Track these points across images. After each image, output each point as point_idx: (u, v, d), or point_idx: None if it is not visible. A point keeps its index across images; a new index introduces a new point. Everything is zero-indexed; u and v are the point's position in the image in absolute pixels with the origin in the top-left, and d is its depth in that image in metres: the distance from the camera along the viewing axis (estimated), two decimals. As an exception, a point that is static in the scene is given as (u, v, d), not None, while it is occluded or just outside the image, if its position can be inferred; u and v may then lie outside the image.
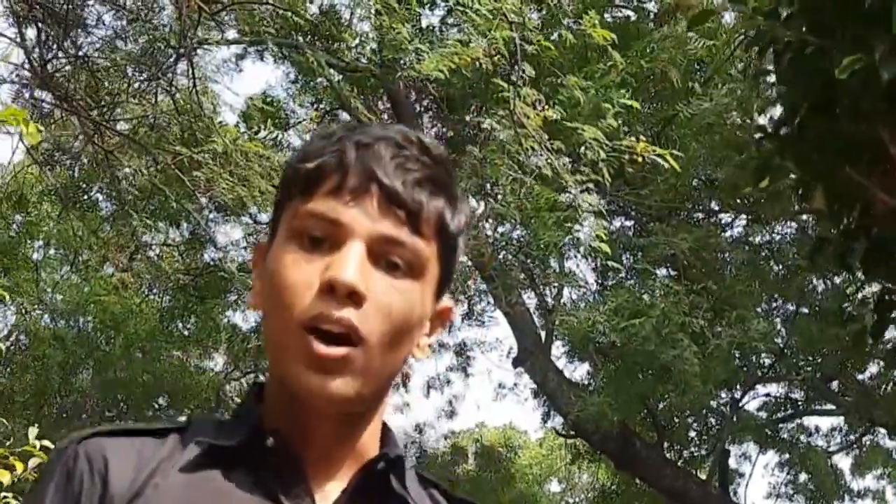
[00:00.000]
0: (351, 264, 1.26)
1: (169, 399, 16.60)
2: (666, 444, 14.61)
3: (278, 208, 1.38)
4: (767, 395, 15.36)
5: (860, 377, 14.77)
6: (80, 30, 9.71)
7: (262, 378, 1.51)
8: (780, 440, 15.48)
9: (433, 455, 20.46)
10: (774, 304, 14.02)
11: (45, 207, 15.60)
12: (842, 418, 15.96)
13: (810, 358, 14.15)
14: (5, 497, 4.22)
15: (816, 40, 4.75)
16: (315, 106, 15.28)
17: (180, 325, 15.79)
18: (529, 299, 14.53)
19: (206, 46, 10.39)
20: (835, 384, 14.97)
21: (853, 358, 13.25)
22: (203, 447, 1.31)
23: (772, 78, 5.76)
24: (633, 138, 7.67)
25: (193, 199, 10.31)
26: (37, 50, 8.95)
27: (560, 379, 13.88)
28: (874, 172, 4.92)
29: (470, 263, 13.35)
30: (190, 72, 8.91)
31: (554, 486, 24.35)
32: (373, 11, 9.66)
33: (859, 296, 10.72)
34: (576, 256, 13.58)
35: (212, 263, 14.32)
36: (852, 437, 16.70)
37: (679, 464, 14.69)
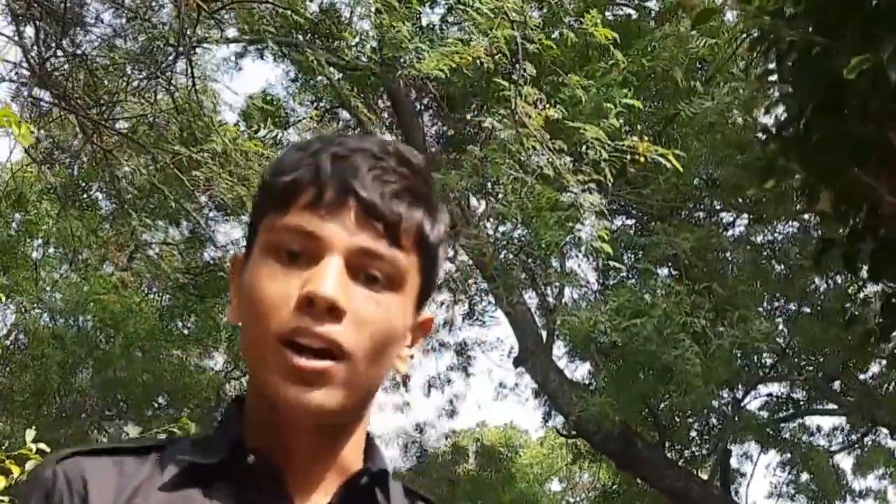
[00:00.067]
0: (330, 278, 1.25)
1: (169, 398, 16.56)
2: (667, 444, 14.58)
3: (254, 222, 1.36)
4: (769, 394, 15.35)
5: (862, 377, 14.75)
6: (78, 28, 9.68)
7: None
8: (781, 440, 15.43)
9: (434, 454, 20.44)
10: (776, 304, 13.98)
11: (45, 206, 15.55)
12: (844, 418, 15.93)
13: (812, 357, 14.12)
14: (1, 501, 4.17)
15: (823, 40, 4.70)
16: (315, 105, 15.26)
17: (180, 324, 15.75)
18: (531, 299, 14.52)
19: (205, 45, 10.35)
20: (837, 384, 14.94)
21: (855, 358, 13.21)
22: (184, 466, 1.30)
23: (774, 77, 5.70)
24: (635, 138, 7.65)
25: (193, 199, 10.27)
26: (35, 48, 8.91)
27: (561, 379, 13.85)
28: (882, 173, 4.87)
29: (471, 263, 13.32)
30: (189, 70, 8.87)
31: (555, 486, 24.35)
32: (373, 10, 9.61)
33: (861, 296, 10.72)
34: (577, 256, 13.55)
35: (211, 262, 14.27)
36: (854, 437, 16.67)
37: (680, 464, 14.67)
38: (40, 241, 16.63)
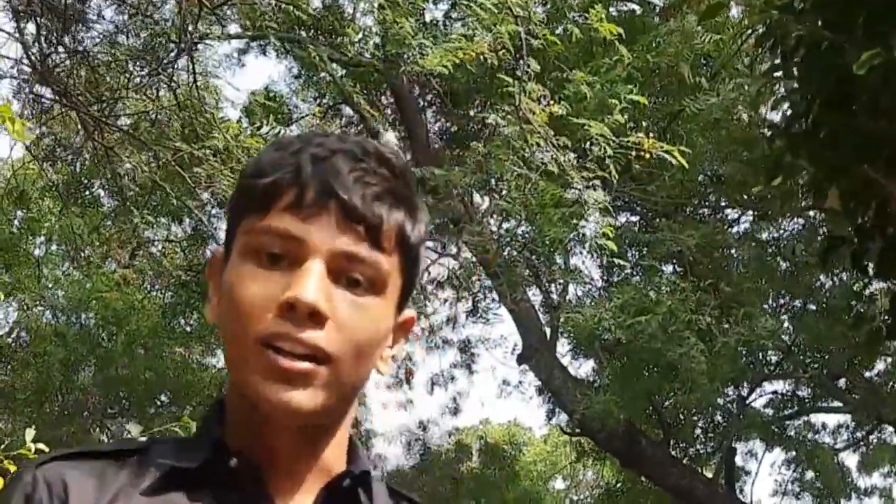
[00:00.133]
0: (311, 283, 1.25)
1: (171, 396, 16.55)
2: (672, 442, 14.52)
3: (232, 222, 1.35)
4: (774, 392, 15.30)
5: (868, 375, 14.71)
6: (80, 24, 9.64)
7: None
8: (786, 438, 15.38)
9: (437, 452, 20.42)
10: (782, 301, 13.94)
11: (47, 203, 15.54)
12: (849, 416, 15.89)
13: (818, 355, 14.08)
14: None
15: (832, 35, 4.66)
16: (318, 101, 15.23)
17: (182, 321, 15.71)
18: (534, 296, 14.49)
19: (206, 41, 10.30)
20: (842, 381, 14.89)
21: (861, 355, 13.17)
22: (165, 469, 1.29)
23: (781, 73, 5.65)
24: (640, 134, 7.61)
25: (195, 196, 10.23)
26: (36, 45, 8.88)
27: (565, 376, 13.82)
28: (891, 170, 4.82)
29: (474, 259, 13.29)
30: (190, 67, 8.84)
31: (559, 484, 24.32)
32: (376, 5, 9.57)
33: (867, 293, 10.67)
34: (581, 253, 13.50)
35: (213, 260, 14.23)
36: (859, 435, 16.63)
37: (685, 462, 14.62)
38: (42, 238, 16.63)
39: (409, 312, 1.43)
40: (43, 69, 8.87)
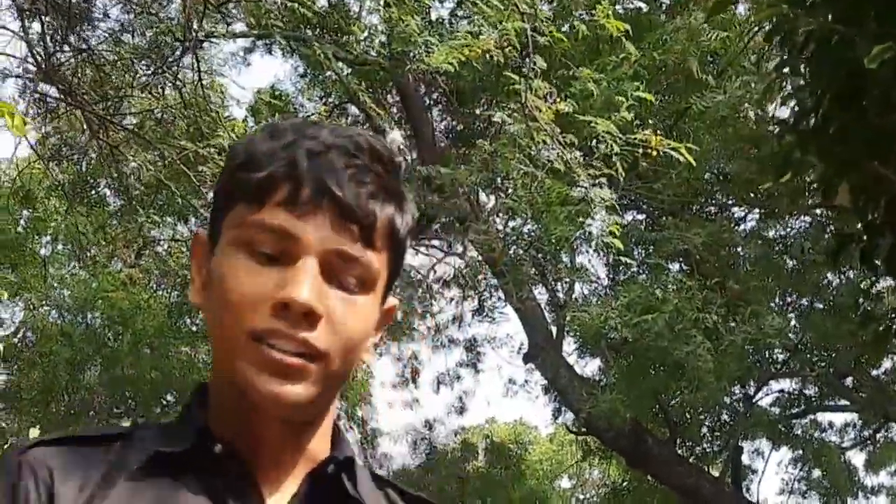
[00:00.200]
0: (306, 283, 1.25)
1: (177, 396, 16.51)
2: (678, 441, 14.50)
3: (221, 207, 1.35)
4: (781, 391, 15.28)
5: (875, 373, 14.68)
6: (85, 23, 9.63)
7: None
8: (793, 436, 15.35)
9: (443, 451, 20.39)
10: (789, 300, 13.91)
11: (53, 203, 15.54)
12: (856, 414, 15.87)
13: (824, 353, 14.04)
14: None
15: (842, 28, 4.62)
16: (324, 100, 15.22)
17: (188, 321, 15.70)
18: (541, 294, 14.47)
19: (212, 39, 10.30)
20: (849, 380, 14.86)
21: (868, 354, 13.13)
22: (149, 454, 1.29)
23: (788, 68, 5.62)
24: (647, 132, 7.58)
25: (200, 195, 10.21)
26: (41, 43, 8.87)
27: (571, 375, 13.80)
28: (902, 166, 4.79)
29: (480, 258, 13.27)
30: (195, 65, 8.82)
31: (565, 483, 24.34)
32: (382, 3, 9.56)
33: (874, 291, 10.64)
34: (587, 251, 13.48)
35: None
36: (866, 434, 16.60)
37: (691, 461, 14.59)
38: (48, 238, 16.63)
39: (392, 301, 1.43)
40: (48, 68, 8.86)
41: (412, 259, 22.60)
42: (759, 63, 11.24)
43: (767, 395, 15.07)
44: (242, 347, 1.26)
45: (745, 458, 15.91)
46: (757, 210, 13.47)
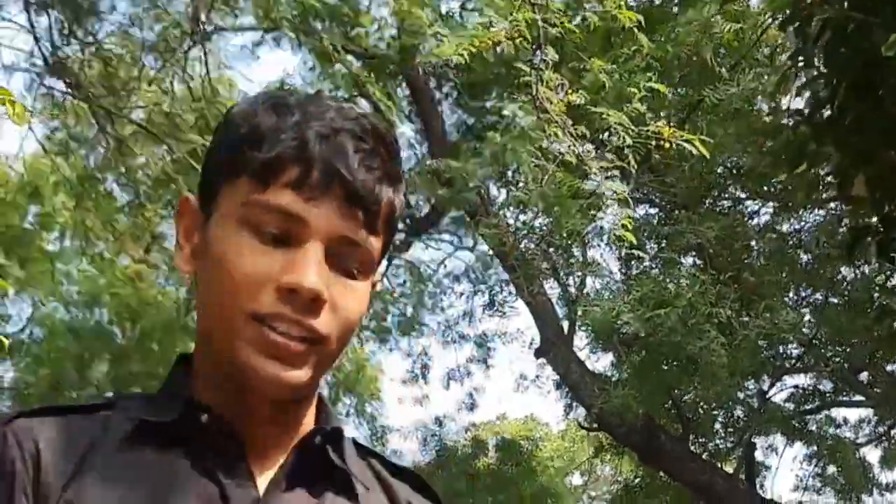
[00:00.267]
0: (313, 269, 1.25)
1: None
2: (691, 437, 14.42)
3: (218, 175, 1.33)
4: (795, 386, 15.16)
5: (890, 368, 14.56)
6: (92, 16, 9.58)
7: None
8: (807, 432, 15.25)
9: (453, 448, 20.35)
10: (803, 294, 13.82)
11: (61, 198, 15.50)
12: (871, 410, 15.75)
13: (839, 348, 13.95)
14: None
15: (860, 16, 4.54)
16: (333, 94, 15.15)
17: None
18: (552, 289, 14.39)
19: (220, 32, 10.24)
20: (864, 375, 14.76)
21: (883, 349, 13.04)
22: (135, 424, 1.29)
23: (802, 64, 5.54)
24: (660, 123, 7.50)
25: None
26: (48, 37, 8.83)
27: (583, 370, 13.74)
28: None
29: (491, 252, 13.21)
30: (203, 58, 8.77)
31: (576, 480, 24.28)
32: (391, -5, 9.50)
33: (889, 285, 10.56)
34: (599, 245, 13.41)
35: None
36: (881, 430, 16.48)
37: (704, 457, 14.52)
38: (56, 233, 16.61)
39: (377, 278, 1.43)
40: (55, 61, 8.82)
41: (422, 253, 22.58)
42: (772, 56, 11.17)
43: (781, 390, 14.99)
44: (242, 327, 1.26)
45: (758, 455, 15.82)
46: (771, 204, 13.38)
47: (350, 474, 1.35)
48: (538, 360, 14.96)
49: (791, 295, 13.42)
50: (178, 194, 12.09)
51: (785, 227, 13.51)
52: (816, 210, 13.12)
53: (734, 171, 12.88)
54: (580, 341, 14.37)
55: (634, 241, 7.81)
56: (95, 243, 14.92)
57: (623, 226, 7.67)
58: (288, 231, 1.26)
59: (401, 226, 14.88)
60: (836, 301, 13.37)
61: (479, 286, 15.37)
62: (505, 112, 9.10)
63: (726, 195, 13.54)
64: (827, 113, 5.10)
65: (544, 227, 12.24)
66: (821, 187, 10.45)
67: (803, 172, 5.82)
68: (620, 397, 11.85)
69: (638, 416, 12.20)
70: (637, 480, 17.33)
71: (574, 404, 15.84)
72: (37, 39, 8.82)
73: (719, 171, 12.83)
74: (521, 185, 11.06)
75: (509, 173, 11.63)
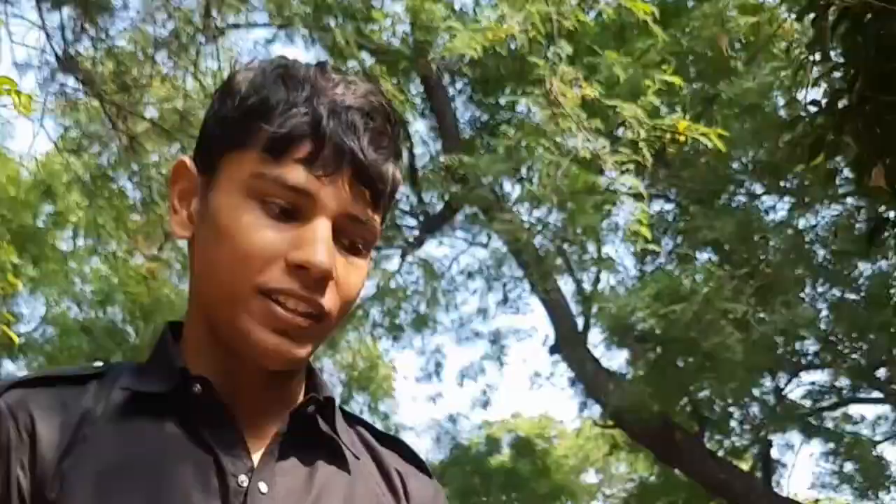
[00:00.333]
0: (324, 246, 1.26)
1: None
2: (707, 435, 14.36)
3: (222, 142, 1.32)
4: (812, 383, 15.08)
5: (908, 364, 14.50)
6: (104, 12, 9.56)
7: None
8: (824, 430, 15.20)
9: (467, 446, 20.35)
10: (820, 290, 13.74)
11: (74, 197, 15.52)
12: (889, 407, 15.68)
13: (856, 345, 13.86)
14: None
15: (880, 3, 4.48)
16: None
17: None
18: (566, 285, 14.35)
19: (233, 29, 10.22)
20: (882, 371, 14.67)
21: (902, 345, 12.99)
22: (128, 394, 1.30)
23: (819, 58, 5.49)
24: (675, 116, 7.48)
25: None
26: (59, 33, 8.82)
27: (598, 367, 13.69)
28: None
29: (505, 249, 13.17)
30: (216, 55, 8.75)
31: (591, 478, 24.24)
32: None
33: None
34: (614, 241, 13.37)
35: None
36: (899, 427, 16.43)
37: (720, 454, 14.46)
38: (69, 232, 16.63)
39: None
40: (66, 57, 8.81)
41: (435, 250, 22.57)
42: (789, 50, 11.12)
43: (798, 387, 14.91)
44: (248, 300, 1.26)
45: (774, 452, 15.77)
46: (787, 199, 13.33)
47: (341, 443, 1.36)
48: (552, 358, 14.91)
49: (808, 290, 13.35)
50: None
51: (801, 223, 13.45)
52: (833, 205, 13.06)
53: (750, 167, 12.83)
54: (595, 338, 14.33)
55: (649, 237, 7.79)
56: (108, 242, 14.95)
57: (638, 221, 7.64)
58: (296, 206, 1.26)
59: (414, 223, 14.95)
60: (853, 297, 13.30)
61: (493, 283, 15.33)
62: (518, 107, 9.05)
63: (742, 191, 13.48)
64: (845, 103, 5.05)
65: (558, 224, 12.21)
66: (838, 181, 10.39)
67: (821, 164, 5.77)
68: (635, 394, 11.84)
69: (653, 413, 12.15)
70: (652, 478, 17.34)
71: (589, 402, 15.77)
72: (48, 36, 8.80)
73: (735, 166, 12.78)
74: (535, 180, 11.03)
75: (523, 169, 11.58)
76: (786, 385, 14.42)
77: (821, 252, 13.09)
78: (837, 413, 15.55)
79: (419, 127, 14.68)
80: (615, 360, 15.02)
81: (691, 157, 11.14)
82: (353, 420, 1.46)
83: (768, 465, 14.95)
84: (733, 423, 15.04)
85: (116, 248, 15.30)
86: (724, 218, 11.55)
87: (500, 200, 12.26)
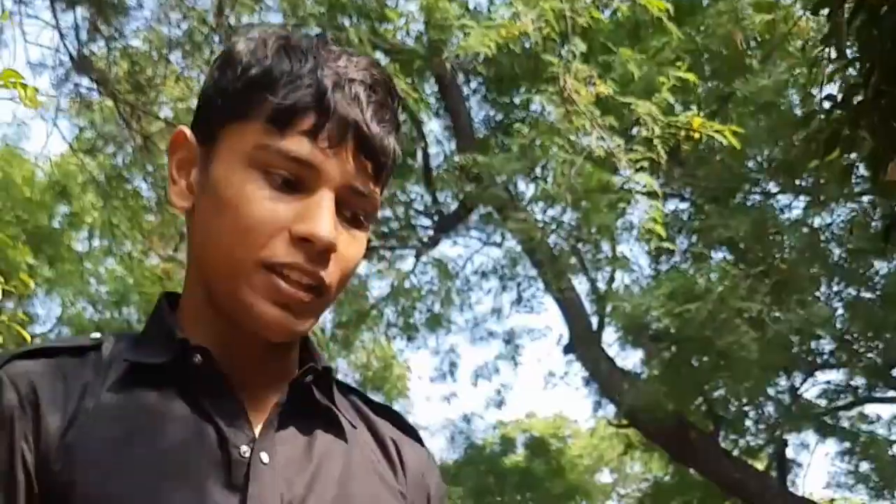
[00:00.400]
0: (328, 219, 1.26)
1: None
2: (722, 434, 14.32)
3: (223, 113, 1.31)
4: (827, 382, 15.02)
5: (924, 363, 14.45)
6: (118, 12, 9.58)
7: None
8: (840, 429, 15.15)
9: (481, 446, 20.35)
10: (835, 288, 13.69)
11: (89, 198, 15.55)
12: (904, 406, 15.66)
13: (872, 343, 13.81)
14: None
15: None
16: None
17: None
18: (581, 285, 14.32)
19: (245, 26, 10.23)
20: (897, 370, 14.64)
21: (917, 344, 12.95)
22: (127, 366, 1.30)
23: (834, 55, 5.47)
24: (689, 113, 7.45)
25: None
26: (73, 33, 8.83)
27: (612, 367, 13.66)
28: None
29: (519, 248, 13.14)
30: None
31: (605, 477, 24.23)
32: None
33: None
34: (629, 240, 13.35)
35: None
36: (915, 426, 16.36)
37: (735, 454, 14.42)
38: (84, 233, 16.65)
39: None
40: (80, 57, 8.82)
41: (449, 250, 22.56)
42: (805, 48, 11.08)
43: (813, 386, 14.86)
44: (251, 274, 1.26)
45: (790, 452, 15.72)
46: (802, 198, 13.28)
47: (338, 413, 1.37)
48: (567, 357, 14.89)
49: (823, 289, 13.30)
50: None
51: (817, 221, 13.40)
52: (849, 203, 13.01)
53: (765, 165, 12.79)
54: (609, 337, 14.30)
55: (664, 235, 7.77)
56: (123, 242, 14.97)
57: (653, 219, 7.61)
58: (300, 178, 1.26)
59: (428, 222, 14.95)
60: (869, 295, 13.25)
61: (508, 282, 15.31)
62: (533, 105, 9.03)
63: (757, 189, 13.44)
64: (860, 97, 5.02)
65: (573, 223, 12.20)
66: (854, 179, 10.35)
67: (836, 161, 5.74)
68: (650, 394, 11.81)
69: (668, 412, 12.11)
70: (667, 478, 17.30)
71: (603, 401, 15.74)
72: (62, 36, 8.81)
73: (750, 164, 12.75)
74: (549, 179, 11.01)
75: (538, 168, 11.57)
76: (801, 384, 14.38)
77: (836, 250, 13.04)
78: (853, 412, 15.49)
79: (434, 126, 14.67)
80: (630, 359, 15.00)
81: (706, 155, 11.11)
82: (346, 389, 1.47)
83: (783, 465, 14.91)
84: (748, 423, 15.01)
85: (132, 248, 15.34)
86: (739, 216, 11.51)
87: (515, 199, 12.25)
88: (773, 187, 13.29)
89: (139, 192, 14.73)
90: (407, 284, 14.99)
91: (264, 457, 1.27)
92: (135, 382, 1.28)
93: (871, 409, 15.81)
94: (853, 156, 5.86)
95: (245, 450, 1.26)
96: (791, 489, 14.99)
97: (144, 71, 9.66)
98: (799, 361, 13.36)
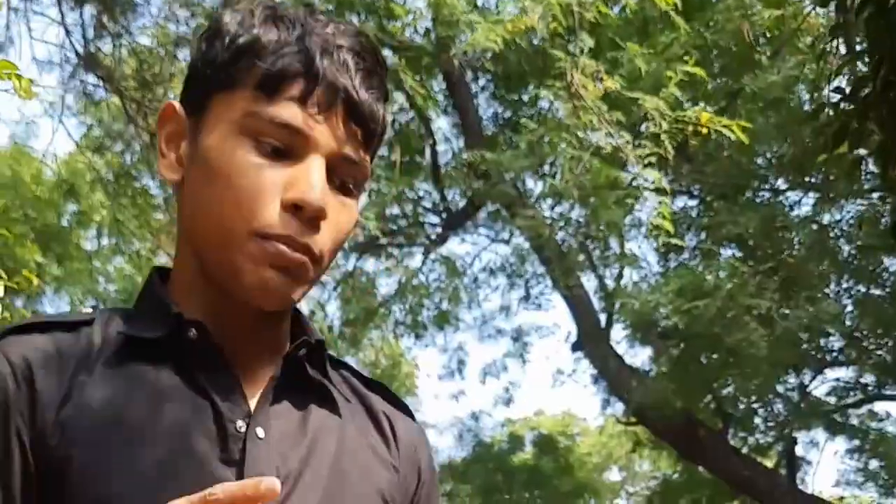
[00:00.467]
0: (318, 186, 1.26)
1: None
2: (731, 432, 14.29)
3: (211, 82, 1.31)
4: (837, 379, 14.99)
5: (934, 361, 14.40)
6: (124, 9, 9.58)
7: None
8: (849, 426, 15.11)
9: (490, 443, 20.34)
10: (845, 285, 13.65)
11: (98, 196, 15.56)
12: (915, 403, 15.62)
13: (881, 340, 13.77)
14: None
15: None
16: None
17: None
18: (589, 282, 14.30)
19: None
20: (907, 368, 14.59)
21: (927, 341, 12.91)
22: (122, 340, 1.29)
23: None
24: (697, 108, 7.43)
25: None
26: (79, 30, 8.83)
27: (621, 364, 13.64)
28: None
29: (527, 245, 13.12)
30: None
31: (614, 475, 24.22)
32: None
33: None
34: (637, 237, 13.32)
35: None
36: (925, 424, 16.31)
37: (745, 452, 14.39)
38: (93, 231, 16.66)
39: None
40: (87, 54, 8.82)
41: (457, 247, 22.53)
42: (814, 44, 11.05)
43: (823, 383, 14.83)
44: (244, 244, 1.25)
45: (799, 449, 15.69)
46: (812, 194, 13.25)
47: (331, 387, 1.37)
48: (575, 355, 14.88)
49: (832, 286, 13.27)
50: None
51: (826, 218, 13.37)
52: (858, 200, 12.98)
53: (774, 161, 12.76)
54: (618, 335, 14.29)
55: (672, 230, 7.73)
56: (132, 241, 14.98)
57: (661, 215, 7.58)
58: (289, 145, 1.26)
59: (436, 220, 14.93)
60: (878, 292, 13.21)
61: (516, 280, 15.29)
62: (541, 101, 9.01)
63: (766, 186, 13.41)
64: (868, 90, 4.99)
65: (581, 219, 12.18)
66: (863, 175, 10.32)
67: (844, 154, 5.71)
68: (659, 391, 11.79)
69: (676, 410, 12.09)
70: (675, 476, 17.27)
71: (612, 399, 15.71)
72: (68, 33, 8.81)
73: (759, 161, 12.72)
74: (557, 176, 11.00)
75: (546, 165, 11.55)
76: (810, 381, 14.35)
77: (845, 247, 13.01)
78: (862, 410, 15.46)
79: (442, 123, 14.67)
80: (638, 356, 14.98)
81: (714, 152, 11.08)
82: (337, 364, 1.46)
83: (793, 463, 14.88)
84: (757, 420, 14.98)
85: (140, 246, 15.34)
86: (748, 213, 11.48)
87: (523, 196, 12.23)
88: (782, 184, 13.26)
89: (147, 191, 14.74)
90: (415, 282, 14.97)
91: (260, 431, 1.27)
92: (129, 357, 1.28)
93: (880, 406, 15.77)
94: (862, 151, 5.84)
95: (241, 424, 1.26)
96: (800, 487, 14.95)
97: (151, 68, 9.65)
98: (808, 359, 13.33)
